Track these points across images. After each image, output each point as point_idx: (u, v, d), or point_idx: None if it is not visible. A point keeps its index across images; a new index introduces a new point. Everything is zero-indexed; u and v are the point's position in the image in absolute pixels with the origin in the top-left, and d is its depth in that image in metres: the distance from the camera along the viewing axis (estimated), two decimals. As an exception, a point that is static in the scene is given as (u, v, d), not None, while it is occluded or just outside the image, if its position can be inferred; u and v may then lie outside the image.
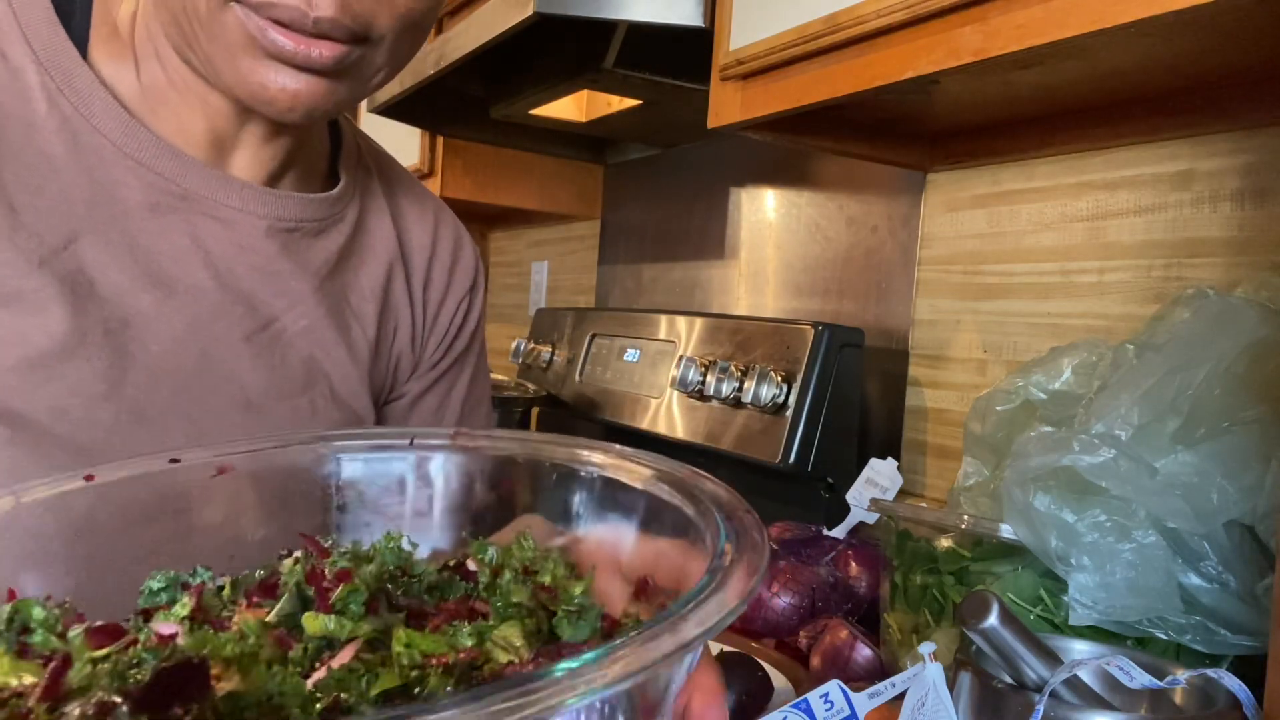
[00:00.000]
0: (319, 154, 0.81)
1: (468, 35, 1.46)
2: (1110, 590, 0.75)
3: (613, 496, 0.47)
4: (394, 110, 1.91)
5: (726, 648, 0.99)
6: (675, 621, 0.30)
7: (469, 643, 0.36)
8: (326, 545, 0.46)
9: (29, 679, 0.34)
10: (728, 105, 1.15)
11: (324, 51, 0.61)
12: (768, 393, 1.35)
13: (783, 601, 1.09)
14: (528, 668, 0.34)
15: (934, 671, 0.69)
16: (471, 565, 0.44)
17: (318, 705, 0.32)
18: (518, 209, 2.32)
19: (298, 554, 0.45)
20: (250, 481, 0.58)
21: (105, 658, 0.35)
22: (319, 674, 0.34)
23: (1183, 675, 0.67)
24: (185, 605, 0.40)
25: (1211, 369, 0.77)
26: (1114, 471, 0.75)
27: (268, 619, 0.37)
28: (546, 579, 0.42)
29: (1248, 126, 0.99)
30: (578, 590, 0.40)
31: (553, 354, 2.01)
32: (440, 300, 0.90)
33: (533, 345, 2.10)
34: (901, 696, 0.70)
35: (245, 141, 0.72)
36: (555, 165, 2.25)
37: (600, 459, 0.48)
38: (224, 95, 0.68)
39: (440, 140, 2.15)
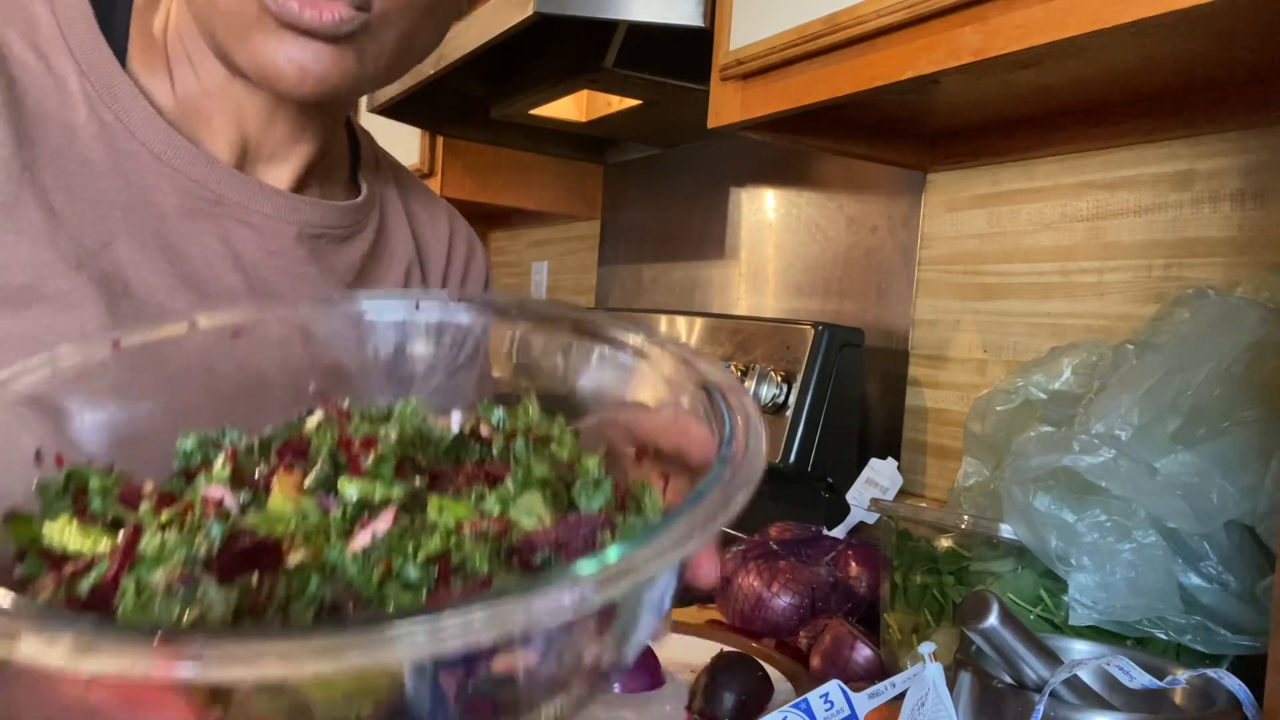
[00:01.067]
0: (340, 163, 0.83)
1: (468, 35, 1.46)
2: (1110, 590, 0.75)
3: (612, 366, 0.50)
4: (394, 110, 1.91)
5: (727, 648, 0.99)
6: (718, 501, 0.34)
7: (495, 509, 0.39)
8: (345, 408, 0.48)
9: (102, 546, 0.36)
10: (728, 105, 1.15)
11: (325, 15, 0.63)
12: (768, 393, 1.35)
13: (783, 601, 1.09)
14: (551, 533, 0.38)
15: (934, 671, 0.69)
16: (485, 431, 0.46)
17: (375, 572, 0.35)
18: (518, 209, 2.32)
19: (319, 415, 0.47)
20: (267, 343, 0.64)
21: (169, 523, 0.37)
22: (362, 537, 0.36)
23: (1183, 675, 0.67)
24: (225, 468, 0.41)
25: (1211, 369, 0.77)
26: (1114, 471, 0.75)
27: (306, 484, 0.40)
28: (564, 455, 0.44)
29: (1248, 126, 0.99)
30: (591, 465, 0.43)
31: (553, 354, 2.01)
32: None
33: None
34: (901, 696, 0.70)
35: (272, 145, 0.74)
36: (555, 165, 2.25)
37: (601, 334, 0.50)
38: (251, 91, 0.70)
39: (440, 140, 2.15)
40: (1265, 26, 0.78)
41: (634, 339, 0.49)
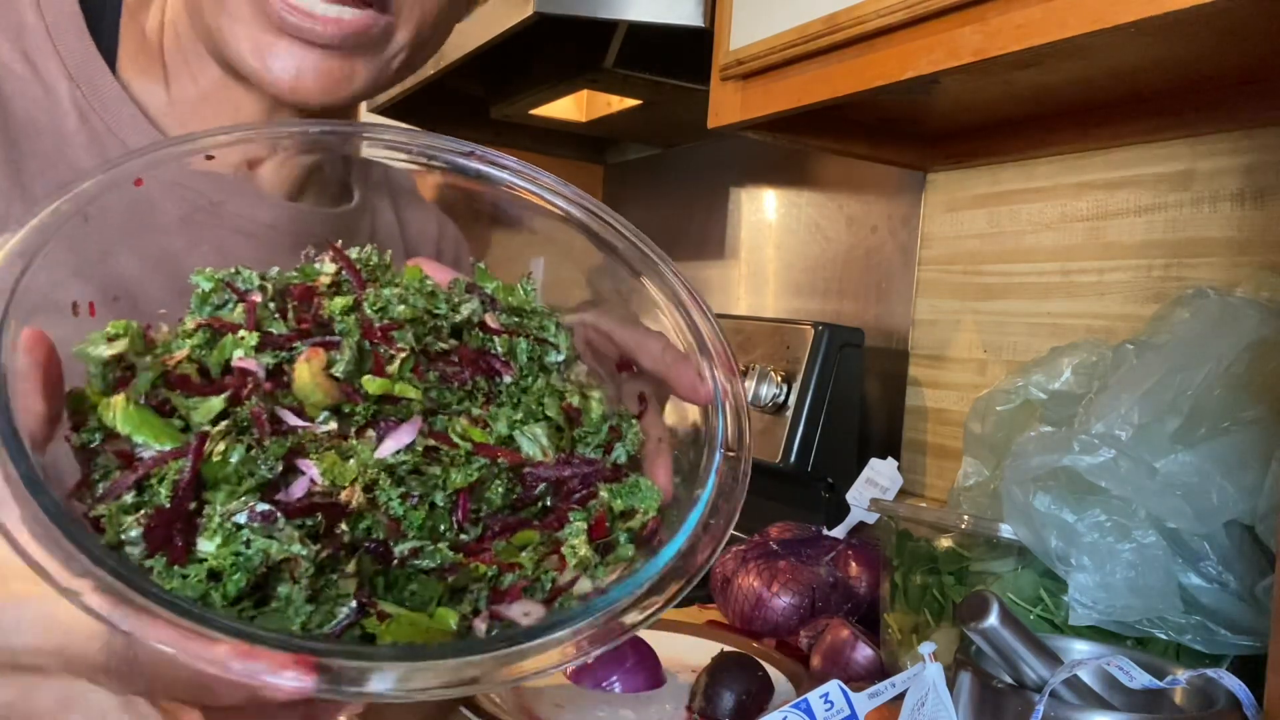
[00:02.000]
0: (335, 169, 0.82)
1: (467, 35, 1.46)
2: (1110, 590, 0.75)
3: (606, 273, 0.53)
4: (394, 110, 1.91)
5: (727, 647, 0.99)
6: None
7: (505, 431, 0.44)
8: (352, 260, 0.51)
9: (165, 441, 0.39)
10: (728, 105, 1.15)
11: (328, 27, 0.62)
12: (768, 393, 1.35)
13: (783, 601, 1.09)
14: (552, 469, 0.43)
15: (934, 671, 0.69)
16: (490, 321, 0.49)
17: (418, 512, 0.40)
18: (518, 209, 2.32)
19: (330, 267, 0.50)
20: (280, 169, 0.68)
21: (223, 416, 0.40)
22: (388, 445, 0.41)
23: (1183, 675, 0.67)
24: (253, 335, 0.44)
25: (1211, 369, 0.77)
26: (1114, 471, 0.75)
27: (335, 372, 0.43)
28: (575, 400, 0.47)
29: (1248, 126, 0.99)
30: (595, 413, 0.47)
31: (553, 354, 2.01)
32: (419, 235, 0.91)
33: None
34: (901, 696, 0.70)
35: (271, 154, 0.73)
36: (555, 165, 2.25)
37: (607, 232, 0.52)
38: (250, 93, 0.69)
39: (440, 140, 2.15)
40: (1265, 26, 0.78)
41: (647, 267, 0.51)
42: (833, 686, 0.71)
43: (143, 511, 0.36)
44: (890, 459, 1.26)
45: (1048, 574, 0.79)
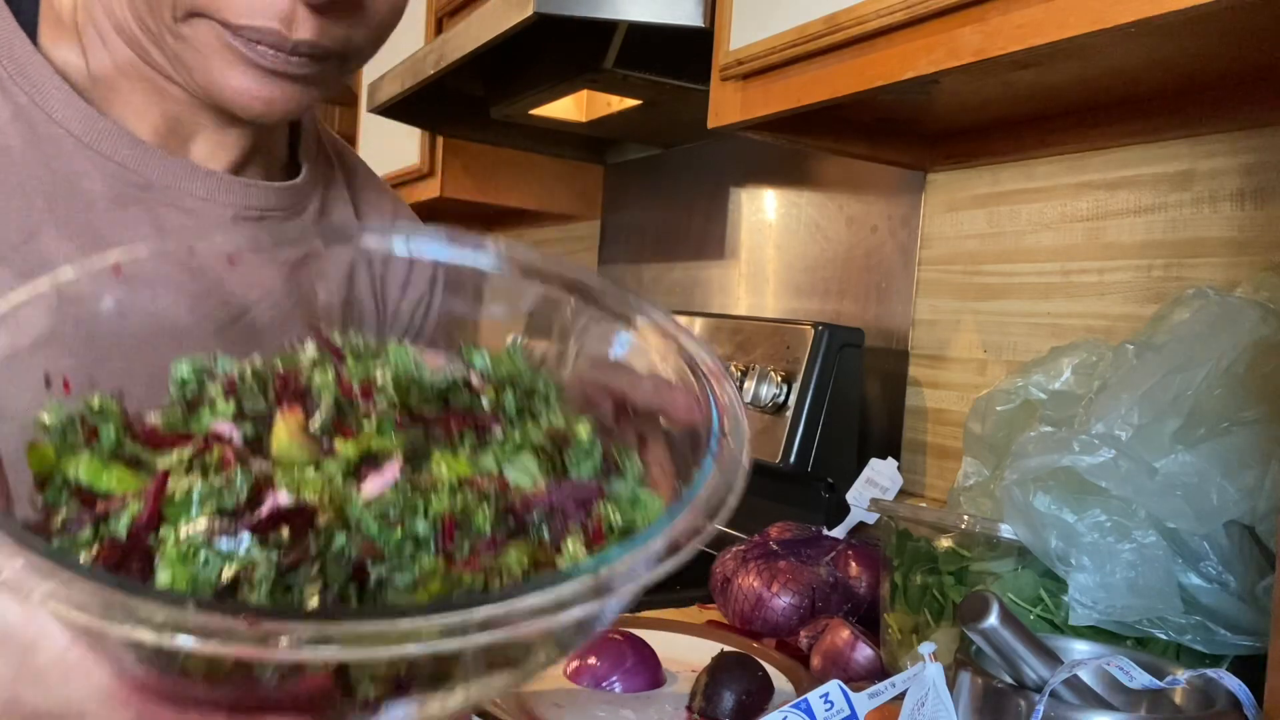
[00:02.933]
0: (279, 141, 0.80)
1: (468, 35, 1.46)
2: (1110, 590, 0.75)
3: (596, 333, 0.51)
4: (394, 110, 1.91)
5: (727, 647, 0.99)
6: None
7: (493, 467, 0.42)
8: (338, 345, 0.50)
9: (129, 485, 0.38)
10: (728, 105, 1.15)
11: (299, 63, 0.62)
12: (768, 393, 1.35)
13: (783, 601, 1.09)
14: (547, 496, 0.41)
15: (934, 671, 0.69)
16: (475, 380, 0.48)
17: (396, 531, 0.37)
18: (518, 209, 2.32)
19: (312, 350, 0.49)
20: (260, 267, 0.67)
21: (191, 465, 0.39)
22: (372, 487, 0.39)
23: (1183, 675, 0.67)
24: (229, 403, 0.43)
25: (1211, 369, 0.77)
26: (1114, 471, 0.75)
27: (312, 429, 0.42)
28: (550, 414, 0.46)
29: (1248, 126, 0.99)
30: (584, 434, 0.45)
31: (553, 354, 2.01)
32: (400, 294, 0.90)
33: (535, 340, 2.09)
34: (901, 696, 0.70)
35: (203, 128, 0.71)
36: (555, 165, 2.25)
37: (592, 296, 0.51)
38: (181, 87, 0.67)
39: (440, 140, 2.15)
40: (1265, 26, 0.78)
41: (627, 310, 0.50)
42: (833, 686, 0.71)
43: (95, 545, 0.35)
44: (890, 459, 1.26)
45: (1048, 574, 0.79)
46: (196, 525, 0.35)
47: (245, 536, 0.35)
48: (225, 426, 0.41)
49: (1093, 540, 0.76)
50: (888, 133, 1.29)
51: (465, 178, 2.19)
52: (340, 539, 0.36)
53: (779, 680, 0.93)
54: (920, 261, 1.38)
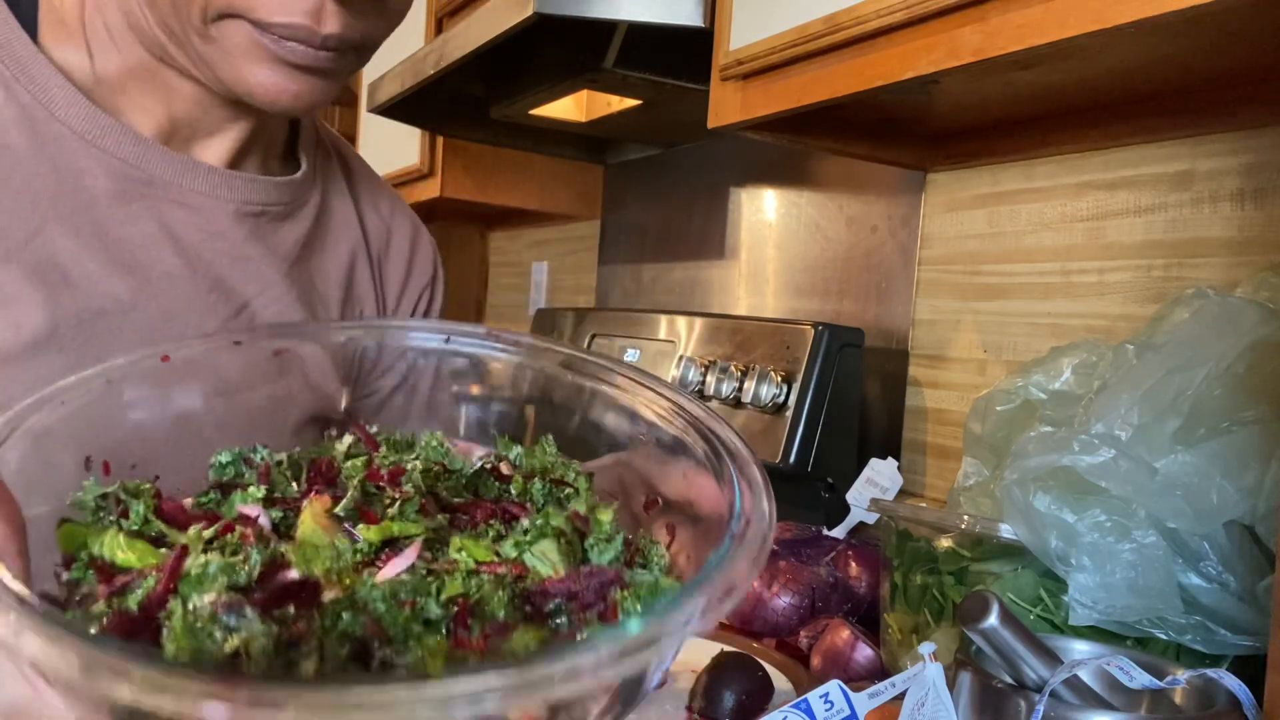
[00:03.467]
0: (277, 137, 0.80)
1: (468, 35, 1.46)
2: (1110, 590, 0.75)
3: (629, 419, 0.51)
4: (394, 110, 1.91)
5: (727, 647, 0.99)
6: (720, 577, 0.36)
7: (513, 554, 0.41)
8: (373, 433, 0.51)
9: (149, 561, 0.38)
10: (728, 105, 1.15)
11: (325, 56, 0.63)
12: (768, 393, 1.35)
13: (783, 601, 1.09)
14: (564, 583, 0.40)
15: (934, 671, 0.69)
16: (505, 469, 0.48)
17: (403, 611, 0.37)
18: (518, 209, 2.32)
19: (348, 439, 0.50)
20: (303, 362, 0.67)
21: (212, 543, 0.39)
22: (388, 571, 0.39)
23: (1183, 675, 0.67)
24: (260, 488, 0.43)
25: (1211, 369, 0.77)
26: (1114, 471, 0.75)
27: (336, 510, 0.42)
28: (580, 504, 0.45)
29: (1248, 126, 0.99)
30: (605, 519, 0.45)
31: (553, 354, 2.01)
32: (400, 291, 0.90)
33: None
34: (901, 696, 0.70)
35: (208, 124, 0.71)
36: (555, 165, 2.25)
37: (621, 384, 0.52)
38: (183, 78, 0.68)
39: (440, 140, 2.15)
40: (1265, 26, 0.78)
41: (646, 393, 0.50)
42: (833, 686, 0.71)
43: (104, 617, 0.35)
44: (890, 459, 1.26)
45: (1048, 574, 0.79)
46: (204, 599, 0.35)
47: (249, 611, 0.34)
48: (253, 509, 0.42)
49: (1093, 540, 0.76)
50: (888, 133, 1.29)
51: (465, 178, 2.19)
52: (346, 617, 0.36)
53: (779, 680, 0.93)
54: (920, 261, 1.38)
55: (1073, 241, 1.17)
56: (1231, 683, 0.65)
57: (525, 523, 0.44)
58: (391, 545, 0.41)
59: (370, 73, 2.13)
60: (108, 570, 0.38)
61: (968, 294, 1.30)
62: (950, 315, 1.33)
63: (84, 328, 0.66)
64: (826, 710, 0.70)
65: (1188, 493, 0.75)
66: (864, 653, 0.95)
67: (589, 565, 0.42)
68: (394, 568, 0.39)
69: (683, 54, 1.37)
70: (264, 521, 0.41)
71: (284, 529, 0.42)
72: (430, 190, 2.18)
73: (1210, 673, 0.66)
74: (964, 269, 1.31)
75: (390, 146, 2.27)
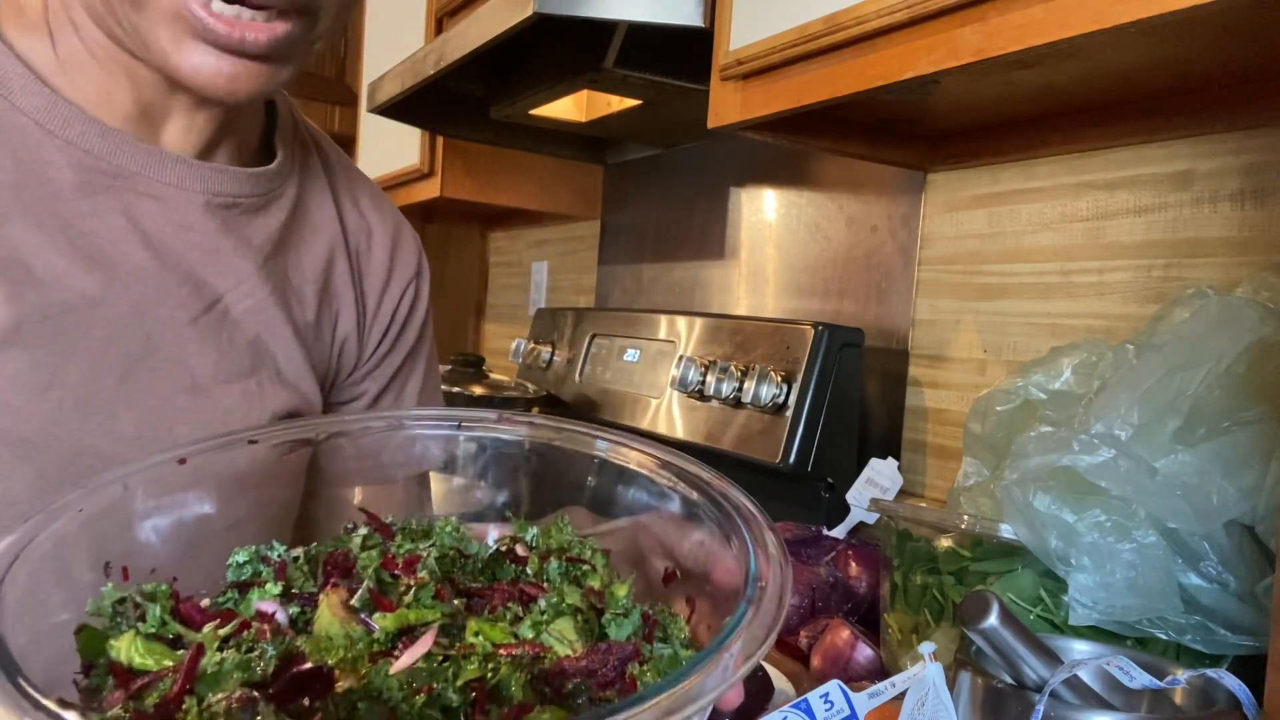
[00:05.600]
0: (252, 126, 0.78)
1: (468, 35, 1.46)
2: (1110, 590, 0.75)
3: (642, 490, 0.51)
4: (394, 110, 1.91)
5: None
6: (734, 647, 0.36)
7: (530, 634, 0.41)
8: (388, 523, 0.51)
9: (167, 662, 0.38)
10: (728, 105, 1.15)
11: (258, 35, 0.60)
12: (768, 393, 1.35)
13: (783, 601, 1.08)
14: (582, 661, 0.40)
15: (934, 671, 0.69)
16: (520, 550, 0.48)
17: (419, 698, 0.36)
18: (518, 209, 2.32)
19: (363, 531, 0.50)
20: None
21: (227, 641, 0.39)
22: (404, 660, 0.38)
23: (1183, 675, 0.67)
24: (276, 585, 0.43)
25: (1211, 369, 0.77)
26: (1114, 471, 0.75)
27: (351, 603, 0.42)
28: (595, 583, 0.46)
29: (1248, 126, 0.99)
30: (621, 594, 0.45)
31: (553, 354, 2.01)
32: (383, 287, 0.87)
33: (533, 345, 2.10)
34: (901, 696, 0.70)
35: (175, 111, 0.69)
36: (555, 165, 2.25)
37: (632, 457, 0.52)
38: (153, 68, 0.66)
39: (440, 140, 2.15)
40: (1265, 26, 0.78)
41: (650, 459, 0.51)
42: (833, 686, 0.71)
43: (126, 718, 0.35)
44: (890, 459, 1.26)
45: (1048, 574, 0.79)
46: (219, 695, 0.35)
47: (262, 707, 0.34)
48: (270, 605, 0.42)
49: (1093, 540, 0.76)
50: (888, 133, 1.29)
51: (465, 178, 2.19)
52: (362, 707, 0.36)
53: (779, 680, 0.93)
54: (920, 261, 1.38)
55: (1072, 241, 1.17)
56: (1231, 683, 0.65)
57: (542, 603, 0.44)
58: (409, 634, 0.41)
59: (370, 73, 2.13)
60: (125, 674, 0.38)
61: (968, 294, 1.30)
62: (950, 315, 1.33)
63: (50, 324, 0.64)
64: (826, 710, 0.70)
65: (1188, 493, 0.75)
66: (864, 653, 0.95)
67: (606, 642, 0.42)
68: (410, 655, 0.39)
69: (683, 54, 1.37)
70: (281, 617, 0.41)
71: (302, 624, 0.42)
72: (430, 190, 2.18)
73: (1210, 673, 0.66)
74: (964, 269, 1.31)
75: (390, 146, 2.27)
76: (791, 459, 1.32)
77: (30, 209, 0.64)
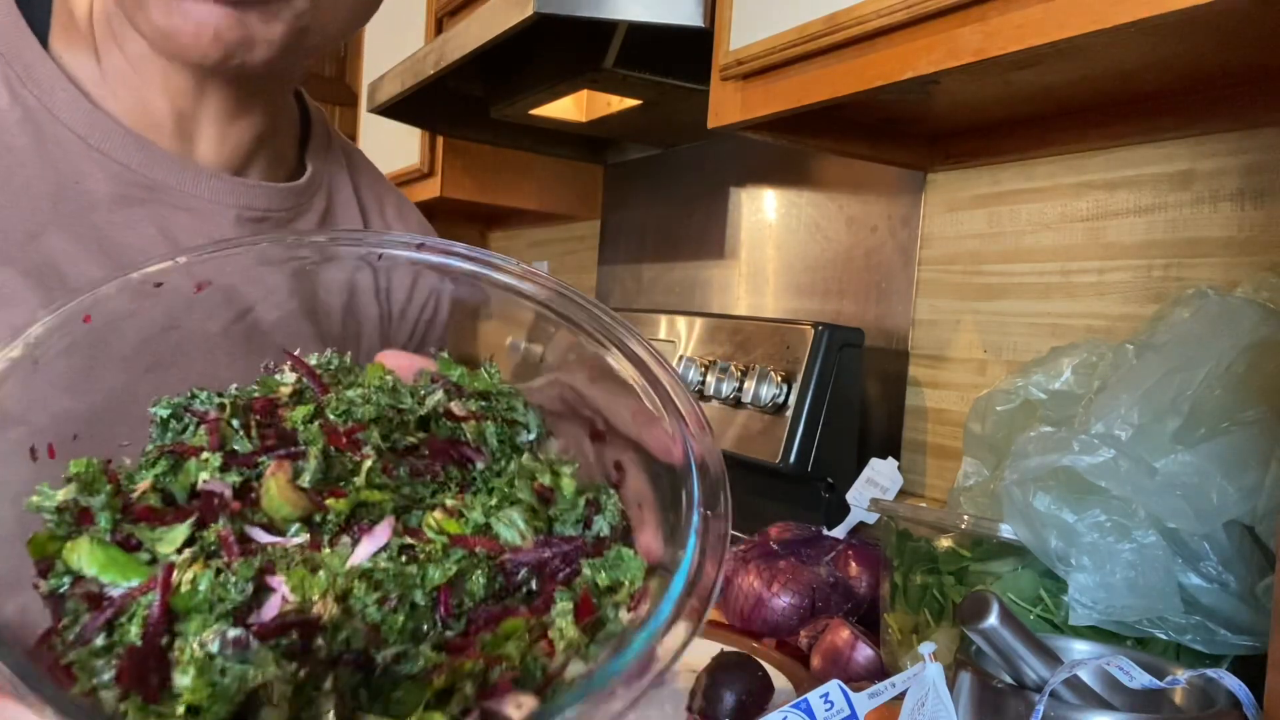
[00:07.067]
0: (288, 142, 0.80)
1: (468, 35, 1.46)
2: (1110, 590, 0.75)
3: (578, 350, 0.52)
4: (394, 110, 1.91)
5: (727, 648, 0.99)
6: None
7: (481, 520, 0.43)
8: (313, 366, 0.50)
9: (133, 577, 0.38)
10: (728, 105, 1.15)
11: None
12: (768, 393, 1.35)
13: (783, 601, 1.09)
14: (533, 552, 0.42)
15: (934, 671, 0.69)
16: (457, 409, 0.49)
17: (397, 616, 0.38)
18: (518, 209, 2.32)
19: (291, 378, 0.50)
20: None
21: (194, 550, 0.39)
22: (362, 551, 0.40)
23: (1183, 675, 0.67)
24: (216, 457, 0.43)
25: (1211, 369, 0.77)
26: (1114, 471, 0.75)
27: (302, 483, 0.42)
28: (545, 479, 0.46)
29: (1247, 126, 0.99)
30: (569, 486, 0.46)
31: (553, 354, 2.01)
32: (406, 299, 0.89)
33: (529, 345, 2.10)
34: (901, 696, 0.70)
35: (208, 122, 0.71)
36: (555, 165, 2.25)
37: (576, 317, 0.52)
38: (179, 69, 0.67)
39: (440, 140, 2.15)
40: (1265, 26, 0.78)
41: (616, 339, 0.50)
42: (833, 686, 0.71)
43: (114, 653, 0.36)
44: (890, 459, 1.26)
45: (1048, 574, 0.79)
46: (208, 634, 0.36)
47: (255, 644, 0.35)
48: (216, 485, 0.42)
49: (1093, 540, 0.76)
50: (888, 133, 1.29)
51: (465, 178, 2.19)
52: (345, 631, 0.37)
53: (779, 680, 0.93)
54: (920, 261, 1.38)
55: (1073, 241, 1.17)
56: (1231, 683, 0.65)
57: (480, 466, 0.46)
58: (360, 510, 0.42)
59: (370, 73, 2.13)
60: (94, 597, 0.38)
61: (968, 294, 1.30)
62: (950, 315, 1.33)
63: (85, 331, 0.66)
64: (826, 710, 0.70)
65: (1188, 493, 0.75)
66: (864, 653, 0.95)
67: (556, 535, 0.44)
68: (369, 546, 0.40)
69: (683, 54, 1.37)
70: (227, 493, 0.41)
71: (245, 494, 0.42)
72: (430, 190, 2.18)
73: (1210, 673, 0.66)
74: (964, 269, 1.31)
75: (390, 146, 2.27)
76: (791, 459, 1.32)
77: (67, 220, 0.66)
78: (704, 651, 0.95)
